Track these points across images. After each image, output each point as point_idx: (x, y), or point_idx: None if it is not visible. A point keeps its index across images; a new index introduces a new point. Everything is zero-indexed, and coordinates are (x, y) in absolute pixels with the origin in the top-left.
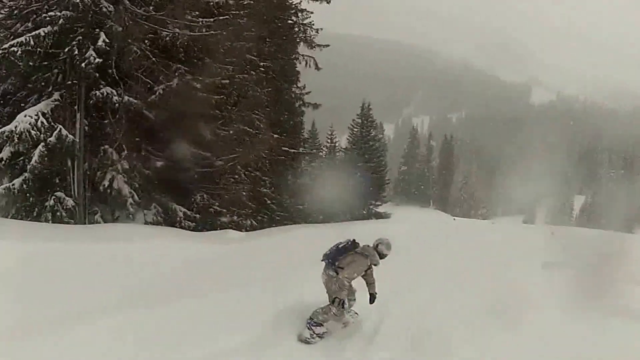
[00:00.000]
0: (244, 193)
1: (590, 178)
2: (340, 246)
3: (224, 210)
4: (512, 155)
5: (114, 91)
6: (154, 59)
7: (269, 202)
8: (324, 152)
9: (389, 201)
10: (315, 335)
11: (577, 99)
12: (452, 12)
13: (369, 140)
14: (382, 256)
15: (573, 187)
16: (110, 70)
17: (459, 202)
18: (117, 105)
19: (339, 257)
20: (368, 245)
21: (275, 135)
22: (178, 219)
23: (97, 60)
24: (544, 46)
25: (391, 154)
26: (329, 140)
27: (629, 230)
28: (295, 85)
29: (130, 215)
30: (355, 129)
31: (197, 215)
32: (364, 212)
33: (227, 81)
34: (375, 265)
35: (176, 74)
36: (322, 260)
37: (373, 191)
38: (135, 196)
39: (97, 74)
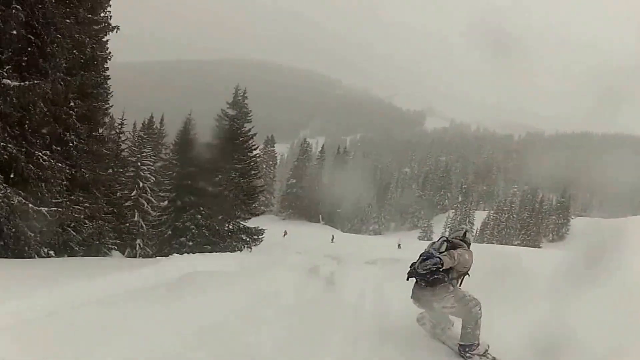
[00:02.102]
0: None
1: (487, 195)
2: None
3: None
4: (406, 173)
5: None
6: None
7: None
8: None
9: (262, 214)
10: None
11: (469, 126)
12: (357, 44)
13: (240, 136)
14: (468, 245)
15: (472, 202)
16: None
17: (350, 217)
18: None
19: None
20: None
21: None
22: None
23: None
24: (440, 78)
25: (282, 172)
26: (183, 132)
27: (536, 244)
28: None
29: None
30: (224, 121)
31: None
32: (229, 226)
33: None
34: None
35: None
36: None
37: (241, 200)
38: None
39: None
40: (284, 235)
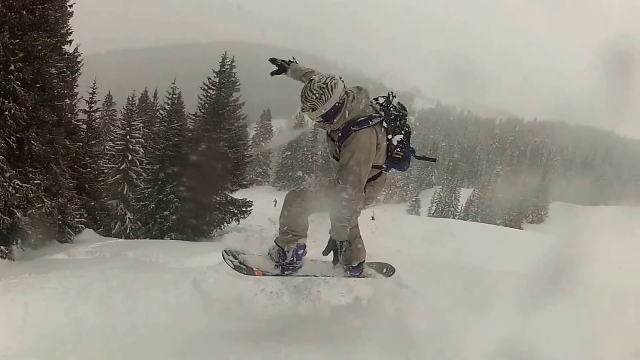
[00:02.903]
0: None
1: (472, 173)
2: None
3: None
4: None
5: None
6: None
7: None
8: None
9: (252, 185)
10: None
11: (454, 108)
12: (348, 26)
13: (227, 105)
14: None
15: (458, 179)
16: None
17: None
18: None
19: None
20: None
21: None
22: None
23: None
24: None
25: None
26: (168, 102)
27: (517, 225)
28: None
29: None
30: (211, 90)
31: None
32: (217, 198)
33: None
34: None
35: None
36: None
37: (230, 171)
38: None
39: None
40: (275, 205)
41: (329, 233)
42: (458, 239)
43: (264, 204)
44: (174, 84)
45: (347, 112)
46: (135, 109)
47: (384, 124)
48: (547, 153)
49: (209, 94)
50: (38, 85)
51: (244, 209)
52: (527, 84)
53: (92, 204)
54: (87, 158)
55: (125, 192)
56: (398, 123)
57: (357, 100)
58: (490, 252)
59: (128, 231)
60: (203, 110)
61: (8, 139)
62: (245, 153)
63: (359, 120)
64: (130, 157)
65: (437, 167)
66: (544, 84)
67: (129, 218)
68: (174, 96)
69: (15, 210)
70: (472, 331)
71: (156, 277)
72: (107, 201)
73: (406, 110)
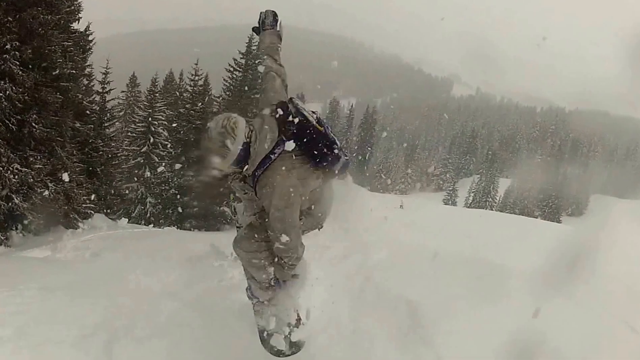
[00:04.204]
0: None
1: (511, 162)
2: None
3: None
4: (434, 136)
5: None
6: None
7: None
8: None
9: None
10: None
11: (494, 97)
12: (388, 11)
13: (255, 87)
14: None
15: (497, 169)
16: None
17: (377, 176)
18: None
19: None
20: None
21: None
22: None
23: None
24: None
25: None
26: (191, 84)
27: (556, 218)
28: None
29: None
30: (237, 71)
31: None
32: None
33: None
34: None
35: None
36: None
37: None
38: None
39: None
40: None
41: (273, 273)
42: (485, 231)
43: None
44: (196, 64)
45: (255, 151)
46: (159, 90)
47: (296, 148)
48: (588, 144)
49: (234, 76)
50: (41, 64)
51: None
52: (551, 69)
53: (105, 188)
54: (99, 141)
55: (147, 175)
56: (312, 135)
57: (260, 140)
58: (515, 246)
59: (149, 215)
60: (228, 93)
61: (8, 122)
62: None
63: (262, 159)
64: (152, 140)
65: (475, 156)
66: (572, 69)
67: (150, 202)
68: (197, 77)
69: (14, 196)
70: (482, 323)
71: (69, 323)
72: (124, 185)
73: (303, 116)
